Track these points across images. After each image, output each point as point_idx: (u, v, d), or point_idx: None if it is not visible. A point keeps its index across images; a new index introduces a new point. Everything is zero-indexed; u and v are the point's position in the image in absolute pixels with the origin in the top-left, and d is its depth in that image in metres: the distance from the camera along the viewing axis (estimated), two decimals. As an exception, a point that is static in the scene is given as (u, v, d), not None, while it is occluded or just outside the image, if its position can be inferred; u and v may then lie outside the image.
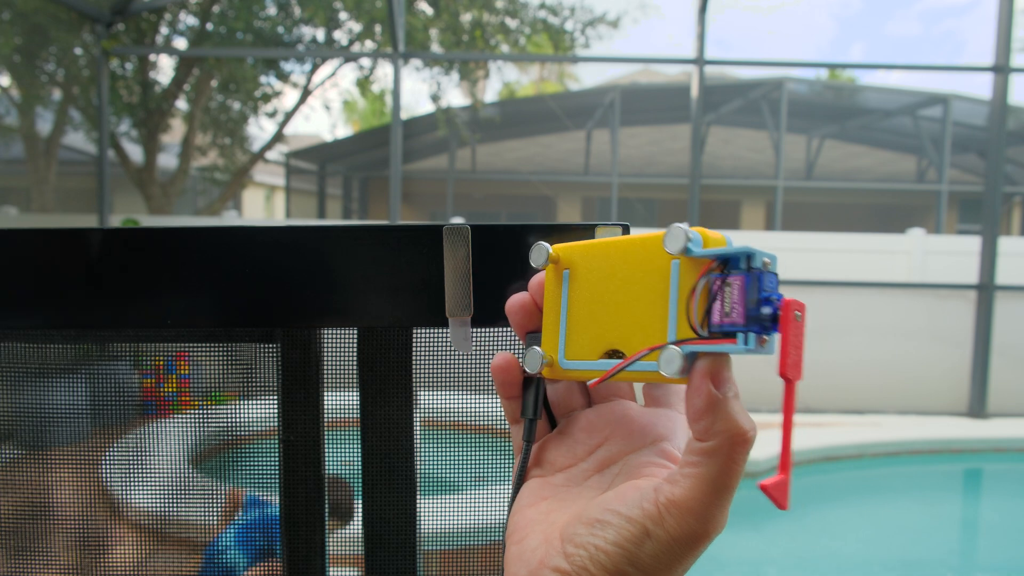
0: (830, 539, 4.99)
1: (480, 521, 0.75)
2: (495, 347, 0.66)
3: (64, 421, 0.72)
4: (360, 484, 0.69)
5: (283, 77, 10.48)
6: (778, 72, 12.56)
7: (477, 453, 0.75)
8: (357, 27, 10.24)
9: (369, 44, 10.49)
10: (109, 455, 0.75)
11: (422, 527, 0.70)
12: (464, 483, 0.74)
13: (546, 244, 0.46)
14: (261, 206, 21.02)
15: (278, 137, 10.90)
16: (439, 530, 0.77)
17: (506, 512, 0.47)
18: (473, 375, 0.66)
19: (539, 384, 0.48)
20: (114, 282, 0.62)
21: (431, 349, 0.70)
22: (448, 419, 0.79)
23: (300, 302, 0.61)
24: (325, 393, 0.68)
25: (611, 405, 0.47)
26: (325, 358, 0.68)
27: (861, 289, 7.31)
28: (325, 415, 0.69)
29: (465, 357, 0.66)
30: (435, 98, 10.56)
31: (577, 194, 17.72)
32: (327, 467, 0.69)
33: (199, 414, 0.79)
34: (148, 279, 0.62)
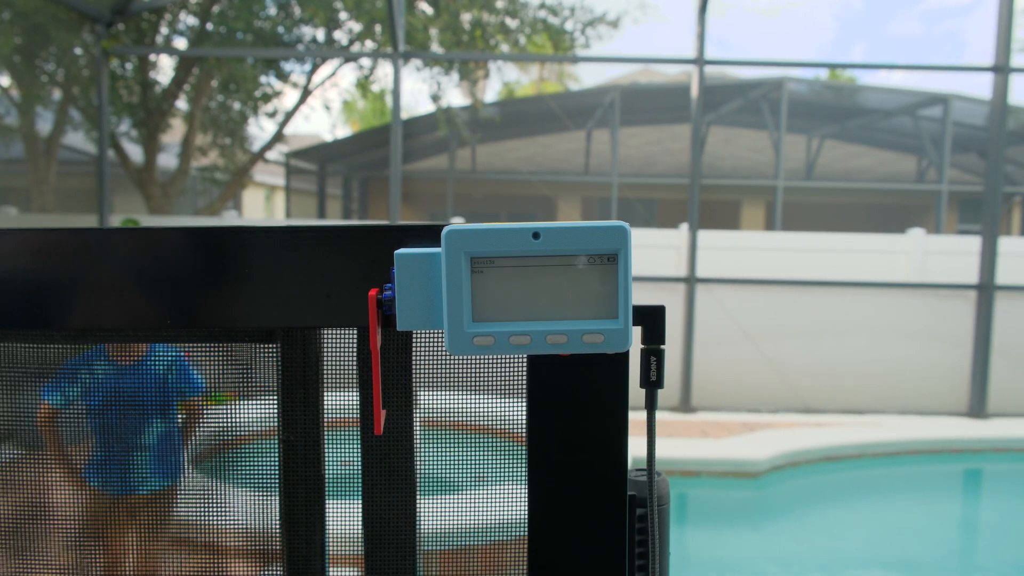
0: (830, 539, 4.98)
1: (480, 521, 0.75)
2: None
3: (63, 421, 0.72)
4: (360, 484, 0.68)
5: (283, 77, 10.48)
6: (778, 72, 12.56)
7: (477, 453, 0.75)
8: (357, 27, 10.24)
9: (369, 44, 10.49)
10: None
11: (422, 527, 0.70)
12: (464, 483, 0.74)
13: None
14: (261, 206, 21.02)
15: (278, 137, 10.89)
16: (439, 530, 0.77)
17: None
18: (473, 375, 0.66)
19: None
20: (114, 282, 0.62)
21: (431, 349, 0.69)
22: (448, 419, 0.79)
23: (299, 302, 0.61)
24: (325, 393, 0.68)
25: None
26: (325, 358, 0.68)
27: (861, 289, 7.31)
28: (325, 415, 0.69)
29: (465, 357, 0.66)
30: (435, 98, 10.56)
31: (577, 194, 17.71)
32: (327, 467, 0.69)
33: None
34: (148, 279, 0.62)
